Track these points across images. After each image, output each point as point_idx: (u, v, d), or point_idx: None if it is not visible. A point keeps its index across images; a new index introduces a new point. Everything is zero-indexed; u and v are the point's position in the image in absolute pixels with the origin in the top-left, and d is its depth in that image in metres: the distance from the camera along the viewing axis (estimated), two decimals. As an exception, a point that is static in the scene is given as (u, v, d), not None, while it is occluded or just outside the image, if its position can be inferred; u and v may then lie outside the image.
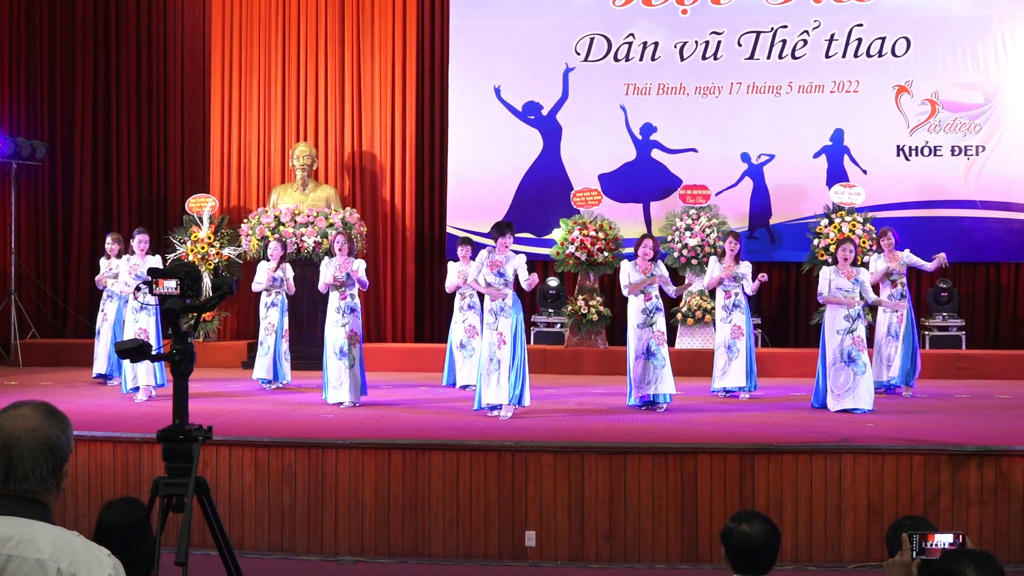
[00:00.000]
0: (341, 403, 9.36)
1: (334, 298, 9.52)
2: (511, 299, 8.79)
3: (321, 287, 9.64)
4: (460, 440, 7.33)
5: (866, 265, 10.44)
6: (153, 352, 4.09)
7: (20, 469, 2.29)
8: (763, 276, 10.00)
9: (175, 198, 14.70)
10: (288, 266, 10.94)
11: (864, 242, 12.15)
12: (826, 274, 9.31)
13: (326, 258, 9.92)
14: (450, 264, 11.20)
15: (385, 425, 8.16)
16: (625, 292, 9.27)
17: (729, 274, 10.03)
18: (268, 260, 10.88)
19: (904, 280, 10.38)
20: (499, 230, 8.87)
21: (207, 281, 10.90)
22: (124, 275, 10.23)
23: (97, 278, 11.09)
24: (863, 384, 9.03)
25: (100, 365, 11.04)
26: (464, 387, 10.40)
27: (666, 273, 9.35)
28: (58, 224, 14.92)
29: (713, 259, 10.42)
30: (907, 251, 10.49)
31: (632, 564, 6.95)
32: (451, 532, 7.06)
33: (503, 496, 7.04)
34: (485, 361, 8.74)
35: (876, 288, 10.04)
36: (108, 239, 11.14)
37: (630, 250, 12.85)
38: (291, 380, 10.78)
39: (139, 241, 10.23)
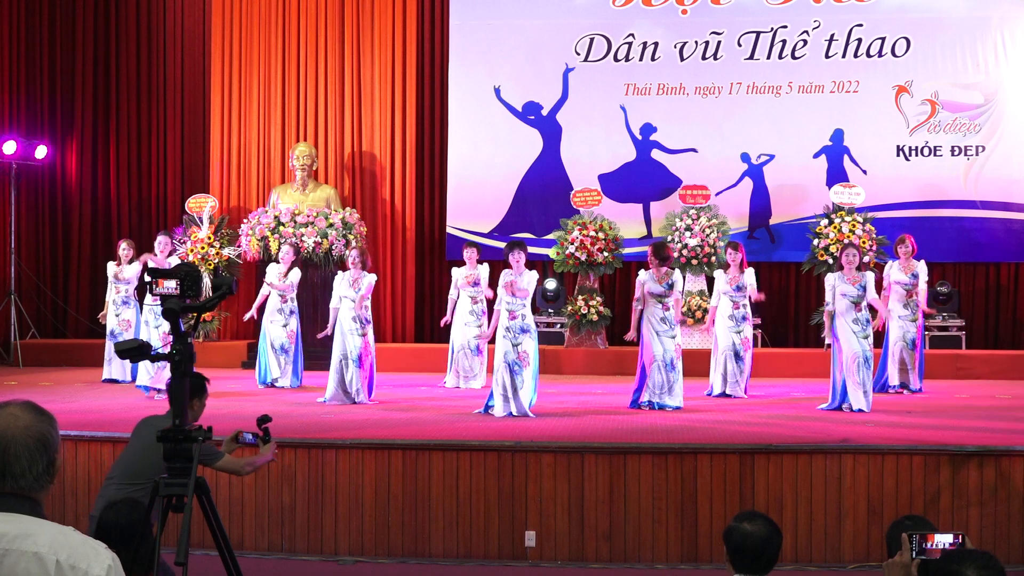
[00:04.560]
0: (352, 401, 9.59)
1: (347, 306, 9.62)
2: (530, 319, 9.00)
3: (332, 307, 9.75)
4: (460, 440, 7.33)
5: (881, 268, 10.56)
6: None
7: (16, 467, 2.29)
8: (761, 296, 10.22)
9: (175, 198, 14.69)
10: (296, 272, 10.97)
11: (864, 242, 12.15)
12: (831, 280, 9.31)
13: (340, 273, 9.96)
14: (454, 270, 11.18)
15: (385, 425, 8.16)
16: (636, 305, 9.32)
17: (735, 284, 10.09)
18: (279, 263, 10.93)
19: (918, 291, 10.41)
20: (509, 248, 9.13)
21: (207, 281, 10.92)
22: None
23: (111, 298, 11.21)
24: (870, 385, 9.13)
25: (114, 371, 11.22)
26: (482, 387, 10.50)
27: (680, 287, 9.42)
28: (58, 224, 14.92)
29: (719, 272, 10.48)
30: (922, 262, 10.47)
31: (632, 564, 6.95)
32: (451, 532, 7.06)
33: (503, 496, 7.04)
34: (501, 371, 8.81)
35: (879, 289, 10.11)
36: (123, 244, 11.26)
37: (630, 250, 13.00)
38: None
39: (160, 243, 10.42)
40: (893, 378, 10.42)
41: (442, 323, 11.27)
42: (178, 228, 13.35)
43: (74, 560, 2.22)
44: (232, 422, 8.01)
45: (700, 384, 10.42)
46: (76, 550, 2.24)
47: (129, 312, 11.11)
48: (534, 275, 9.15)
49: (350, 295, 9.66)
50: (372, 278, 9.84)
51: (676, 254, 12.72)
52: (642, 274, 9.40)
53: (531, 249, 13.08)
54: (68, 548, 2.23)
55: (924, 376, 10.61)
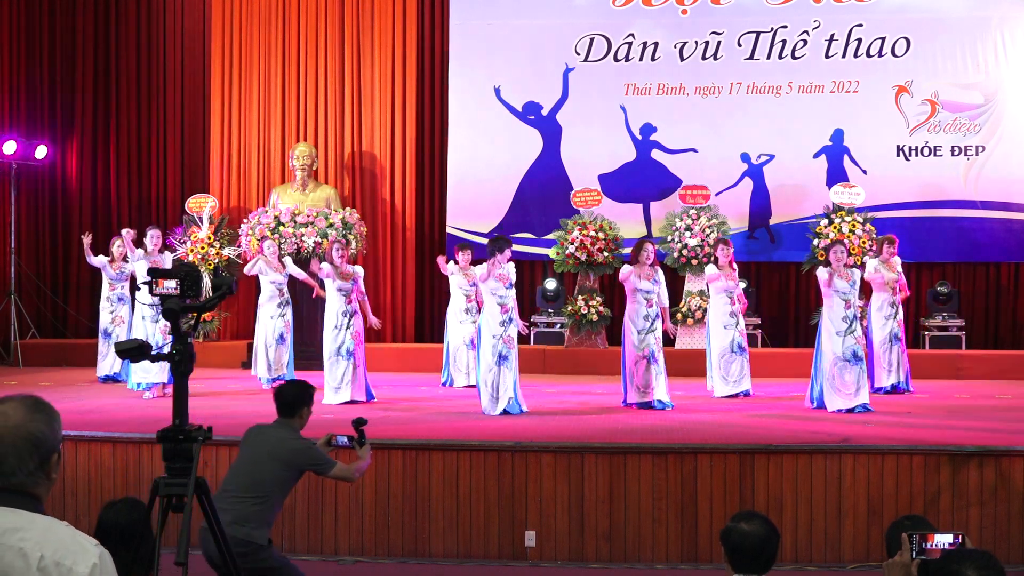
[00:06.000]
0: (346, 401, 9.46)
1: (339, 303, 9.60)
2: (515, 309, 9.00)
3: (301, 274, 10.22)
4: (460, 440, 7.33)
5: (863, 267, 10.48)
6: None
7: (6, 465, 2.30)
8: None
9: (175, 198, 14.70)
10: (289, 259, 11.04)
11: (864, 242, 12.14)
12: (823, 274, 9.24)
13: (325, 263, 9.91)
14: (450, 264, 11.21)
15: (385, 425, 8.15)
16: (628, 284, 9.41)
17: (734, 281, 10.10)
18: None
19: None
20: (499, 247, 8.96)
21: (207, 281, 10.91)
22: (143, 273, 10.53)
23: (96, 261, 11.20)
24: (866, 381, 9.07)
25: (106, 367, 11.25)
26: (473, 386, 10.49)
27: (665, 294, 9.40)
28: (58, 224, 14.92)
29: (711, 266, 10.44)
30: (897, 258, 10.40)
31: (632, 564, 6.95)
32: (451, 532, 7.06)
33: (503, 496, 7.04)
34: (491, 366, 8.78)
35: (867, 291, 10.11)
36: (117, 242, 11.18)
37: (630, 251, 12.97)
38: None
39: (152, 237, 10.35)
40: (881, 380, 10.28)
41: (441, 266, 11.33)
42: (178, 228, 13.36)
43: (59, 556, 2.21)
44: (231, 421, 8.02)
45: (700, 384, 10.43)
46: (62, 545, 2.23)
47: (123, 309, 11.12)
48: (511, 267, 9.16)
49: (345, 288, 9.66)
50: (360, 271, 9.92)
51: (676, 254, 12.75)
52: (626, 268, 9.39)
53: (531, 249, 13.17)
54: (54, 544, 2.22)
55: (915, 375, 10.60)
